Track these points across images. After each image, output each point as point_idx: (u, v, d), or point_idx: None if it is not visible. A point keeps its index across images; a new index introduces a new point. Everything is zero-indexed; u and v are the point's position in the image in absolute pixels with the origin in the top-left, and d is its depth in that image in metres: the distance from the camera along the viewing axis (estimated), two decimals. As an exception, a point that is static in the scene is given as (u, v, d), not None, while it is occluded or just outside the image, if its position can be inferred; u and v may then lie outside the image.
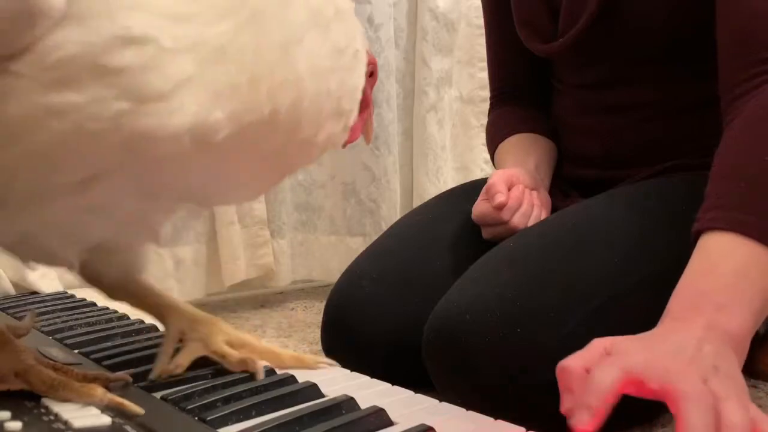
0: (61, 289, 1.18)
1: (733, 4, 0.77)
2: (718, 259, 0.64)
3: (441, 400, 0.61)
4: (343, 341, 0.89)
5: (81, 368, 0.61)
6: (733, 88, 0.76)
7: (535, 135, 1.05)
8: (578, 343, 0.59)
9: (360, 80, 0.58)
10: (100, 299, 1.05)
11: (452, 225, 0.98)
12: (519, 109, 1.11)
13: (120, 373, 0.63)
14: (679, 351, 0.54)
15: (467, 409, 0.58)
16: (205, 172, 0.53)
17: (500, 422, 0.55)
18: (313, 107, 0.53)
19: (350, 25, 0.57)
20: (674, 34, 0.89)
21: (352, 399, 0.58)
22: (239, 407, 0.57)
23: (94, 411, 0.54)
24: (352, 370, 0.71)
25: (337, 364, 0.70)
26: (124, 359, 0.69)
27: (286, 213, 1.53)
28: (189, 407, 0.57)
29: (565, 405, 0.52)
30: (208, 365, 0.67)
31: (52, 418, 0.54)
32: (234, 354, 0.65)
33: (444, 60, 1.64)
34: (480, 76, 1.64)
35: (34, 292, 1.15)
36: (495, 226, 0.92)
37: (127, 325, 0.87)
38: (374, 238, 1.12)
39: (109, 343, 0.76)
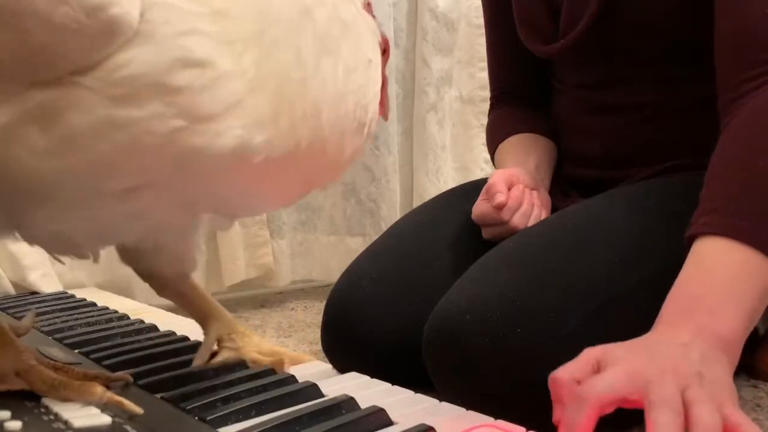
0: (61, 289, 1.19)
1: (731, 6, 0.77)
2: (711, 264, 0.64)
3: (441, 400, 0.61)
4: (343, 341, 0.89)
5: (81, 368, 0.61)
6: (730, 89, 0.76)
7: (535, 135, 1.05)
8: (578, 343, 0.59)
9: (377, 86, 0.59)
10: (100, 299, 1.05)
11: (452, 225, 0.97)
12: (519, 109, 1.11)
13: (120, 373, 0.63)
14: (664, 359, 0.55)
15: (467, 409, 0.59)
16: (240, 189, 0.56)
17: (500, 422, 0.55)
18: (335, 133, 0.55)
19: (358, 35, 0.58)
20: (674, 34, 0.89)
21: (352, 399, 0.58)
22: (239, 407, 0.57)
23: (94, 410, 0.54)
24: (352, 370, 0.71)
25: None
26: (124, 359, 0.70)
27: (286, 213, 1.53)
28: (189, 407, 0.57)
29: (556, 416, 0.53)
30: (208, 364, 0.67)
31: (52, 417, 0.54)
32: (264, 360, 0.71)
33: (444, 60, 1.64)
34: (480, 76, 1.64)
35: (34, 292, 1.15)
36: (495, 226, 0.92)
37: (127, 325, 0.87)
38: (374, 238, 1.12)
39: (109, 343, 0.76)
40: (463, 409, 0.59)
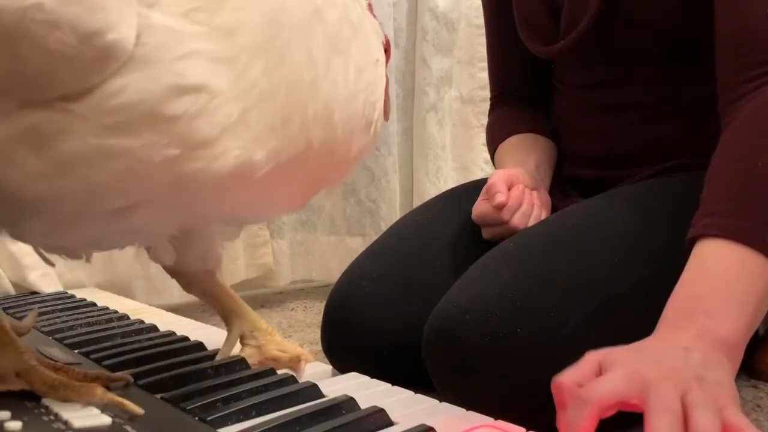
0: (61, 289, 1.19)
1: (731, 6, 0.77)
2: (712, 265, 0.64)
3: (441, 400, 0.61)
4: (343, 341, 0.89)
5: (81, 368, 0.61)
6: (730, 90, 0.76)
7: (536, 135, 1.05)
8: (578, 343, 0.59)
9: (382, 85, 0.59)
10: (100, 299, 1.05)
11: (452, 225, 0.97)
12: (519, 109, 1.11)
13: (120, 373, 0.63)
14: (665, 362, 0.55)
15: (467, 409, 0.59)
16: (242, 202, 0.55)
17: (500, 422, 0.55)
18: (345, 132, 0.55)
19: (367, 35, 0.58)
20: (675, 34, 0.89)
21: (352, 399, 0.58)
22: (239, 407, 0.57)
23: (94, 411, 0.54)
24: (352, 370, 0.71)
25: None
26: (124, 359, 0.70)
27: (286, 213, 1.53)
28: (189, 407, 0.57)
29: (560, 422, 0.53)
30: (208, 364, 0.67)
31: (52, 417, 0.54)
32: (283, 357, 0.72)
33: (444, 60, 1.64)
34: (480, 76, 1.64)
35: (34, 292, 1.15)
36: (495, 226, 0.92)
37: (127, 325, 0.87)
38: (374, 238, 1.12)
39: (109, 343, 0.76)
40: (463, 409, 0.59)
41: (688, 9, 0.86)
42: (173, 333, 0.81)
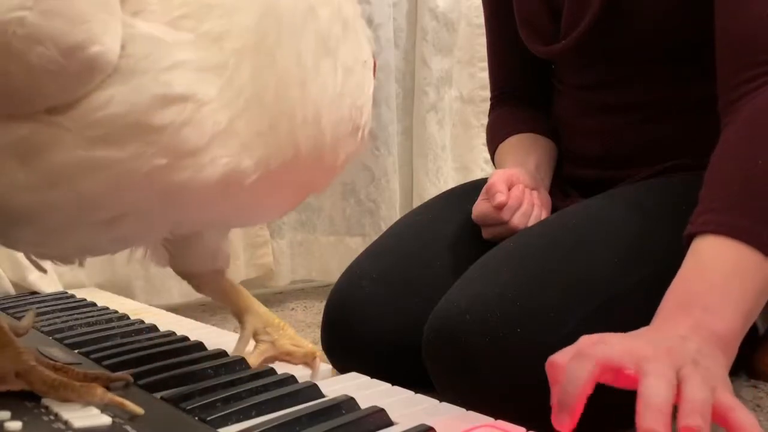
0: (61, 289, 1.19)
1: (731, 6, 0.77)
2: (709, 261, 0.64)
3: (441, 400, 0.61)
4: (343, 341, 0.89)
5: (81, 368, 0.61)
6: (730, 90, 0.76)
7: (536, 135, 1.05)
8: (578, 343, 0.59)
9: (370, 89, 0.59)
10: (100, 299, 1.05)
11: (452, 225, 0.97)
12: (519, 109, 1.11)
13: (120, 373, 0.63)
14: (659, 343, 0.55)
15: (467, 409, 0.59)
16: (230, 209, 0.55)
17: (500, 422, 0.55)
18: (333, 137, 0.55)
19: (357, 35, 0.57)
20: (676, 34, 0.89)
21: (352, 399, 0.58)
22: (239, 407, 0.57)
23: (94, 411, 0.54)
24: (352, 370, 0.71)
25: None
26: (124, 359, 0.70)
27: (286, 213, 1.53)
28: (189, 407, 0.57)
29: (555, 398, 0.53)
30: (208, 364, 0.67)
31: (52, 417, 0.54)
32: (298, 351, 0.73)
33: (444, 60, 1.64)
34: (480, 76, 1.64)
35: (34, 292, 1.15)
36: (495, 226, 0.92)
37: (127, 325, 0.87)
38: (374, 238, 1.12)
39: (109, 343, 0.76)
40: (463, 409, 0.59)
41: (689, 9, 0.86)
42: (173, 333, 0.81)
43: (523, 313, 0.73)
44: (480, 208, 0.93)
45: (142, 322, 0.88)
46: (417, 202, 1.58)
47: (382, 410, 0.56)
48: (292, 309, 1.48)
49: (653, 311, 0.63)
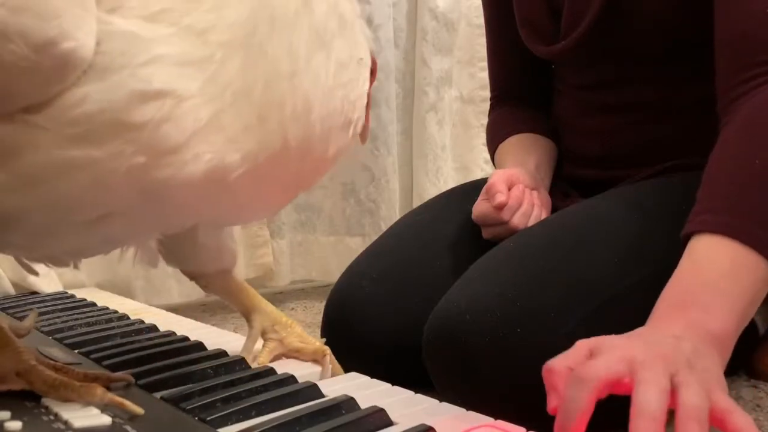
0: (61, 289, 1.18)
1: (731, 6, 0.77)
2: (706, 261, 0.65)
3: (441, 400, 0.61)
4: (343, 341, 0.89)
5: (81, 368, 0.61)
6: (729, 90, 0.76)
7: (536, 135, 1.05)
8: (578, 343, 0.59)
9: (365, 86, 0.58)
10: (100, 299, 1.05)
11: (452, 225, 0.97)
12: (519, 109, 1.11)
13: (121, 373, 0.63)
14: (655, 347, 0.55)
15: (467, 409, 0.59)
16: (218, 205, 0.54)
17: (500, 422, 0.55)
18: (323, 129, 0.54)
19: (353, 32, 0.57)
20: (675, 34, 0.89)
21: (352, 399, 0.58)
22: (239, 407, 0.57)
23: (94, 411, 0.54)
24: (352, 370, 0.71)
25: None
26: (124, 359, 0.69)
27: (286, 213, 1.53)
28: (189, 407, 0.57)
29: (551, 404, 0.53)
30: (208, 364, 0.67)
31: (52, 417, 0.54)
32: (307, 348, 0.74)
33: (444, 60, 1.64)
34: (480, 75, 1.64)
35: (34, 292, 1.15)
36: (495, 226, 0.92)
37: (127, 325, 0.87)
38: (373, 238, 1.12)
39: (109, 343, 0.76)
40: (463, 409, 0.59)
41: (689, 9, 0.86)
42: (173, 333, 0.81)
43: (523, 313, 0.73)
44: (480, 208, 0.93)
45: (142, 322, 0.88)
46: (417, 202, 1.58)
47: (382, 410, 0.56)
48: (292, 309, 1.48)
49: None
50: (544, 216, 0.93)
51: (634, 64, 0.93)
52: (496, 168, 1.06)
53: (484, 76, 1.43)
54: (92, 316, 0.91)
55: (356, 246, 1.54)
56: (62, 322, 0.87)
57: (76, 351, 0.73)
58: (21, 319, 0.80)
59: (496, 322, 0.72)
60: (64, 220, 0.50)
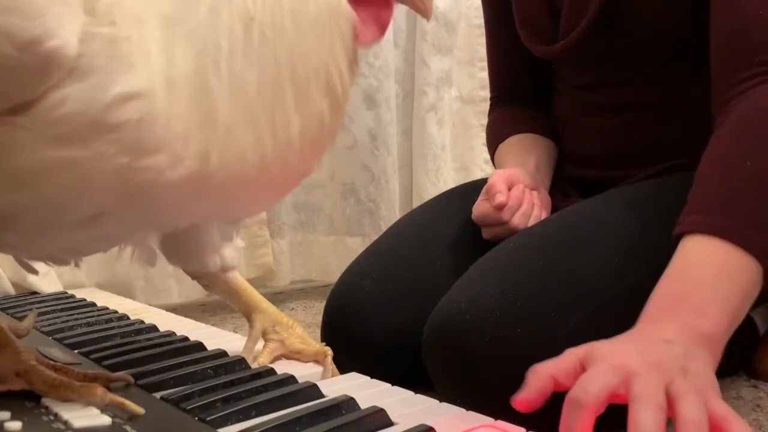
0: (61, 289, 1.18)
1: (725, 7, 0.77)
2: (696, 262, 0.65)
3: (441, 400, 0.61)
4: (343, 341, 0.89)
5: (81, 368, 0.61)
6: (723, 91, 0.76)
7: (536, 135, 1.05)
8: (578, 343, 0.59)
9: (340, 57, 0.54)
10: (100, 299, 1.05)
11: (452, 225, 0.97)
12: (519, 109, 1.11)
13: (121, 373, 0.63)
14: (648, 354, 0.55)
15: (467, 409, 0.59)
16: (208, 203, 0.54)
17: (500, 422, 0.55)
18: (305, 132, 0.53)
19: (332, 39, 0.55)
20: (675, 34, 0.89)
21: (352, 399, 0.58)
22: (239, 407, 0.57)
23: (94, 411, 0.54)
24: (352, 370, 0.71)
25: None
26: (124, 359, 0.70)
27: (286, 213, 1.53)
28: (189, 407, 0.57)
29: (518, 397, 0.55)
30: (208, 364, 0.67)
31: (52, 417, 0.54)
32: (308, 350, 0.74)
33: (444, 60, 1.64)
34: (480, 76, 1.64)
35: (34, 292, 1.15)
36: (495, 226, 0.92)
37: (127, 325, 0.87)
38: (373, 238, 1.12)
39: (109, 343, 0.76)
40: (463, 409, 0.59)
41: (689, 9, 0.86)
42: (173, 333, 0.81)
43: (523, 313, 0.73)
44: (480, 208, 0.93)
45: (142, 322, 0.88)
46: (417, 202, 1.58)
47: (382, 410, 0.56)
48: (292, 309, 1.48)
49: (653, 311, 0.63)
50: (544, 216, 0.93)
51: (634, 64, 0.93)
52: (496, 168, 1.06)
53: (484, 76, 1.43)
54: (92, 316, 0.91)
55: (356, 246, 1.54)
56: (62, 322, 0.87)
57: (76, 351, 0.73)
58: (21, 319, 0.80)
59: (496, 322, 0.72)
60: (56, 220, 0.50)
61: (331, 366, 0.73)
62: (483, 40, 1.18)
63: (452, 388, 0.74)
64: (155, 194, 0.50)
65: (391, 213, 1.57)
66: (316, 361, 0.73)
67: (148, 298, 1.32)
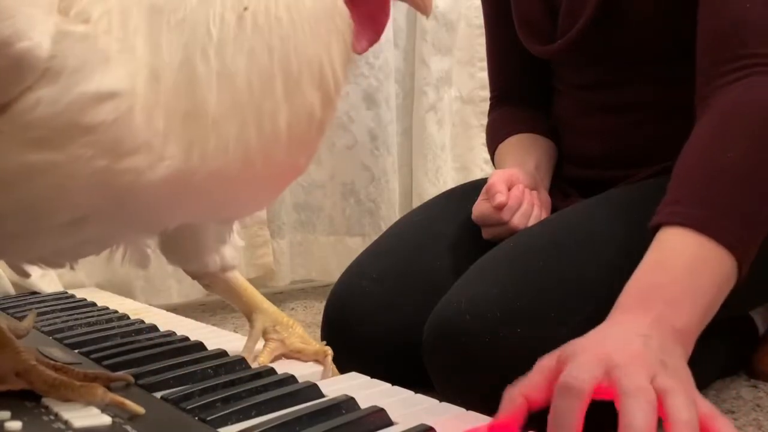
0: (61, 289, 1.18)
1: (710, 1, 0.77)
2: (671, 253, 0.65)
3: (441, 400, 0.61)
4: (343, 341, 0.89)
5: (81, 368, 0.61)
6: (705, 84, 0.77)
7: (535, 135, 1.05)
8: (578, 342, 0.59)
9: (335, 53, 0.53)
10: (100, 299, 1.05)
11: (452, 225, 0.97)
12: (519, 109, 1.11)
13: (120, 373, 0.63)
14: (625, 346, 0.55)
15: (467, 409, 0.59)
16: (194, 204, 0.53)
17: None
18: (293, 125, 0.52)
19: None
20: (674, 34, 0.89)
21: (352, 399, 0.58)
22: (239, 407, 0.57)
23: (95, 411, 0.54)
24: (352, 370, 0.71)
25: None
26: (124, 359, 0.70)
27: (286, 213, 1.53)
28: (189, 407, 0.57)
29: (494, 421, 0.54)
30: (208, 364, 0.67)
31: (52, 417, 0.54)
32: (308, 349, 0.74)
33: (443, 60, 1.64)
34: (480, 76, 1.64)
35: (34, 292, 1.15)
36: (495, 226, 0.92)
37: (127, 325, 0.87)
38: (373, 238, 1.12)
39: (109, 343, 0.76)
40: (463, 409, 0.59)
41: (687, 8, 0.86)
42: (173, 333, 0.81)
43: (523, 313, 0.73)
44: (480, 208, 0.93)
45: (142, 322, 0.88)
46: (417, 202, 1.58)
47: (382, 410, 0.56)
48: (293, 309, 1.48)
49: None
50: (544, 216, 0.93)
51: (633, 64, 0.93)
52: (495, 168, 1.06)
53: (484, 76, 1.43)
54: (92, 316, 0.91)
55: (356, 246, 1.54)
56: (62, 322, 0.87)
57: (76, 351, 0.73)
58: (21, 319, 0.80)
59: (496, 322, 0.72)
60: (38, 224, 0.50)
61: (331, 366, 0.73)
62: (483, 40, 1.18)
63: (452, 388, 0.74)
64: (137, 196, 0.49)
65: (391, 213, 1.57)
66: (316, 361, 0.74)
67: (148, 298, 1.32)
